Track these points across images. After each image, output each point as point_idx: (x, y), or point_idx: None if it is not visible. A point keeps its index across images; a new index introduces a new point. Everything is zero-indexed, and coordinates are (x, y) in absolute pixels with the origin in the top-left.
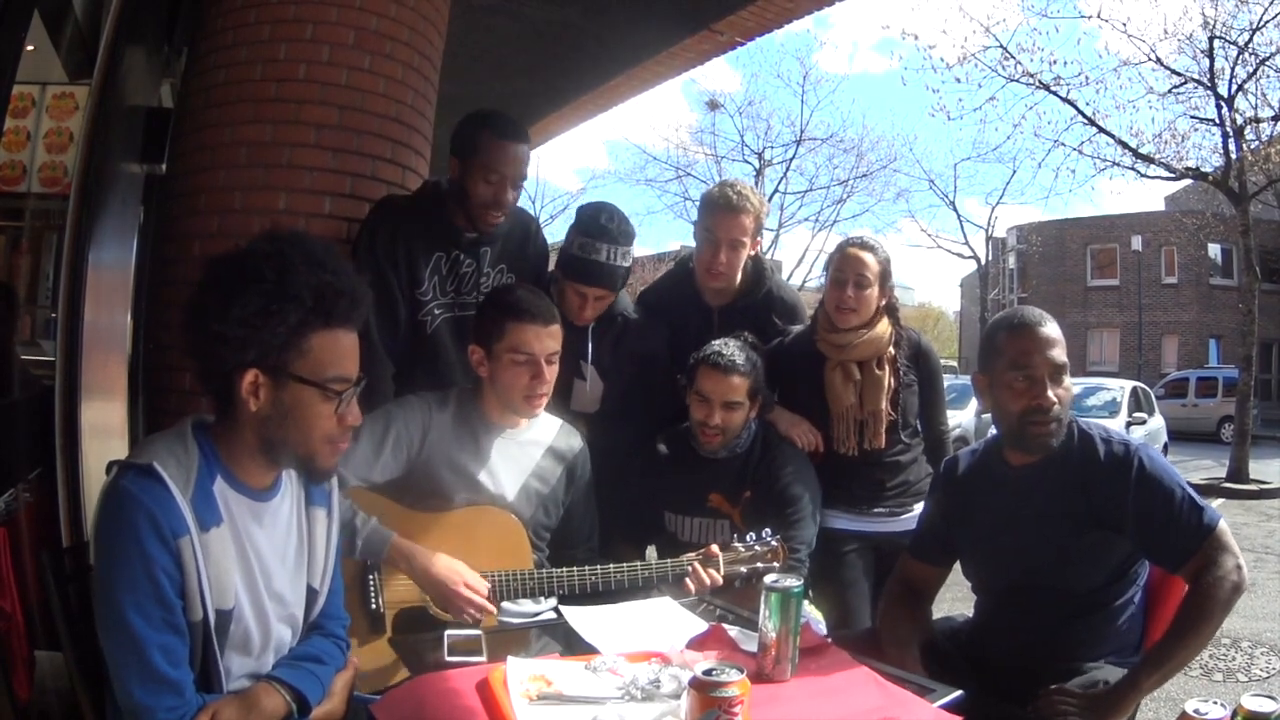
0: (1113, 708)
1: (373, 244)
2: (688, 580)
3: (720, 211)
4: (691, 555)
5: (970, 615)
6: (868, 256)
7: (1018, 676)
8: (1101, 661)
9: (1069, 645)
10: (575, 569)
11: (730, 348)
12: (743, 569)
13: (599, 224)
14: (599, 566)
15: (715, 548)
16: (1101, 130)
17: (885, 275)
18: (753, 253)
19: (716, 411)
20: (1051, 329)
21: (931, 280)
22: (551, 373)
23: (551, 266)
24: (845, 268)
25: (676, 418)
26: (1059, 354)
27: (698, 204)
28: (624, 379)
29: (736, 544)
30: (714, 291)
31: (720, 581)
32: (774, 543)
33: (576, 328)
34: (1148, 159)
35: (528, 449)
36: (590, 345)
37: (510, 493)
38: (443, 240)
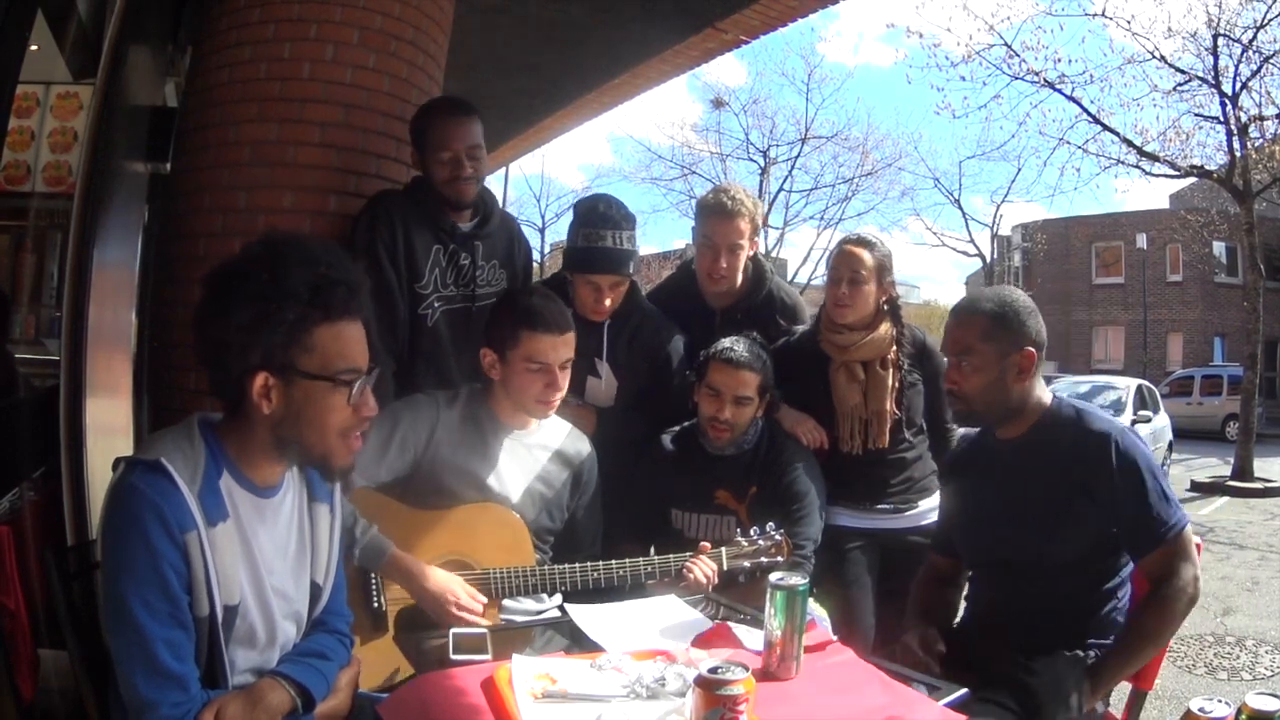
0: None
1: (374, 238)
2: (688, 574)
3: (715, 217)
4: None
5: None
6: (863, 253)
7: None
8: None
9: (1054, 624)
10: (573, 565)
11: (741, 345)
12: (746, 563)
13: (598, 213)
14: (599, 563)
15: (707, 545)
16: (1106, 128)
17: (883, 270)
18: (751, 253)
19: (727, 406)
20: None
21: (937, 278)
22: (564, 378)
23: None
24: (840, 264)
25: (687, 417)
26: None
27: (694, 210)
28: (639, 376)
29: (740, 539)
30: (716, 294)
31: (715, 578)
32: (778, 537)
33: (592, 325)
34: (1152, 157)
35: (534, 452)
36: (605, 343)
37: (515, 495)
38: (440, 234)
